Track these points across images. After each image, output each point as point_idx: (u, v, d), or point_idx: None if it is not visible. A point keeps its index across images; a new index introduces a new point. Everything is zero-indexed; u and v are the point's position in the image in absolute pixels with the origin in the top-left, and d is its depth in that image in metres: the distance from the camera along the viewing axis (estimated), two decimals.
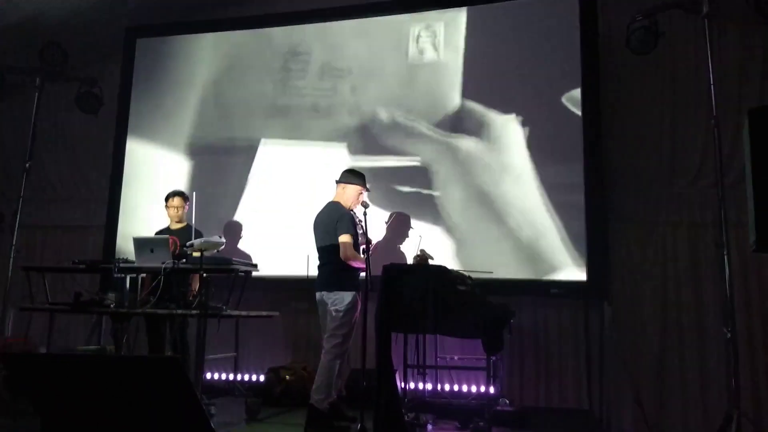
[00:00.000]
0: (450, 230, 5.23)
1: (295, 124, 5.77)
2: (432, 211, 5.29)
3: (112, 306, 4.25)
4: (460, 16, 5.53)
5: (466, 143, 5.29)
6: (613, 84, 5.27)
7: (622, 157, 5.22)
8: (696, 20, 4.32)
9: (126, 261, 4.44)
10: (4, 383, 4.45)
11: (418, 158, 5.39)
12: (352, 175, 4.32)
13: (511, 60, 5.34)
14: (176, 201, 4.90)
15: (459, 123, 5.35)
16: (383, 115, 5.55)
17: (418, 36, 5.58)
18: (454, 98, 5.41)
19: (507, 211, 5.11)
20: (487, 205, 5.17)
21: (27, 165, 5.32)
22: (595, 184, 4.95)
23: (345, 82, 5.71)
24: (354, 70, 5.71)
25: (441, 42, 5.53)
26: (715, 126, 3.92)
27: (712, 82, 3.98)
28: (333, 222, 4.10)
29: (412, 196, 5.36)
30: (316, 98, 5.74)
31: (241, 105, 5.98)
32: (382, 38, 5.71)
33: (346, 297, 4.03)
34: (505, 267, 5.02)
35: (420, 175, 5.37)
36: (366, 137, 5.57)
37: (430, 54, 5.52)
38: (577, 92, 5.09)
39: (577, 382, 5.01)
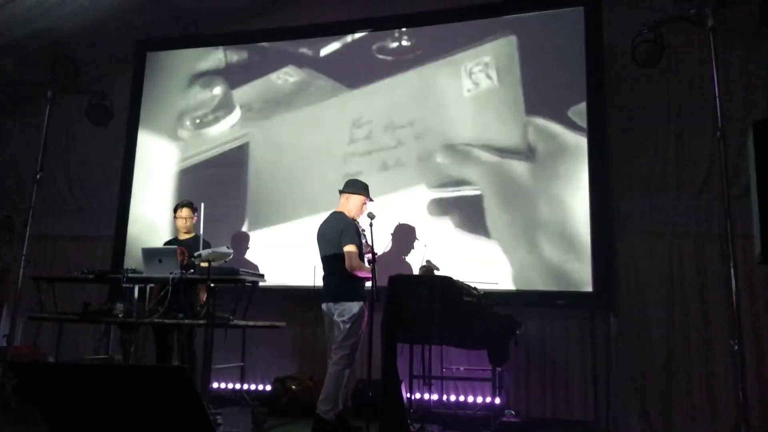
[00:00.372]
0: (459, 241, 5.23)
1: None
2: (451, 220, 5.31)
3: (120, 316, 4.28)
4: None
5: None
6: (618, 97, 5.29)
7: (627, 168, 5.23)
8: (701, 33, 4.33)
9: (134, 271, 4.49)
10: (13, 392, 4.49)
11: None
12: (356, 186, 4.35)
13: (517, 72, 5.35)
14: (184, 212, 4.94)
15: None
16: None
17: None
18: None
19: (513, 222, 5.11)
20: (494, 216, 5.18)
21: (38, 176, 5.38)
22: (601, 196, 4.95)
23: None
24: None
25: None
26: (720, 138, 3.92)
27: (717, 94, 3.99)
28: (338, 232, 4.13)
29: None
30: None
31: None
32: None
33: (353, 307, 4.04)
34: (511, 278, 5.03)
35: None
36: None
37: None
38: (582, 105, 5.10)
39: (584, 394, 5.00)
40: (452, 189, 5.33)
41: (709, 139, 4.99)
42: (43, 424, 3.20)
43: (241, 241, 5.75)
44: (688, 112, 5.19)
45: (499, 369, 4.12)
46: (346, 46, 5.93)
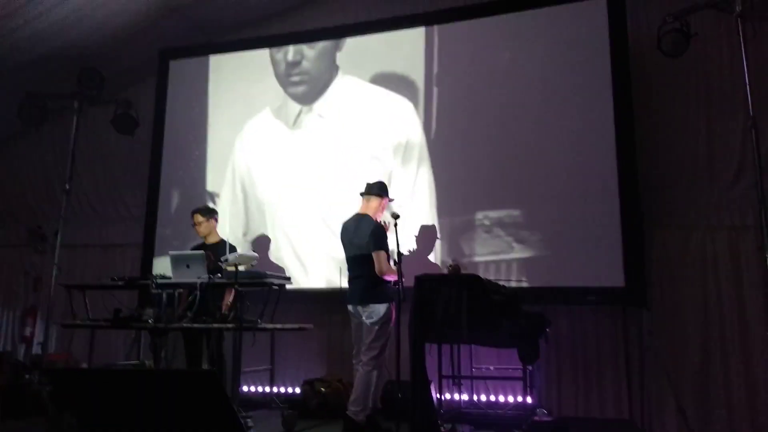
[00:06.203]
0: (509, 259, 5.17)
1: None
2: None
3: (150, 321, 4.33)
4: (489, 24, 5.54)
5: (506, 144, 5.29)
6: (645, 88, 5.20)
7: (657, 161, 5.13)
8: (729, 20, 4.24)
9: (163, 277, 4.53)
10: (49, 398, 4.56)
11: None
12: (376, 187, 4.35)
13: (540, 67, 5.30)
14: (196, 217, 4.98)
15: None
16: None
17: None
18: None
19: (543, 218, 5.05)
20: (526, 215, 5.13)
21: (67, 186, 5.48)
22: (631, 189, 4.86)
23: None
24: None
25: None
26: (752, 126, 3.83)
27: (747, 82, 3.89)
28: (365, 235, 4.12)
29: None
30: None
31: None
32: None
33: (381, 309, 4.04)
34: (540, 275, 4.96)
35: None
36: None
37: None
38: (608, 98, 5.02)
39: (617, 391, 4.90)
40: (487, 194, 5.27)
41: (741, 128, 4.89)
42: (79, 428, 3.25)
43: (262, 245, 5.77)
44: (718, 102, 5.07)
45: (529, 368, 4.06)
46: (364, 44, 5.93)
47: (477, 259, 5.13)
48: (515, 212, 5.13)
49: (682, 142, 5.12)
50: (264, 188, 5.95)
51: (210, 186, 6.17)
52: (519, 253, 5.06)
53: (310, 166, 5.81)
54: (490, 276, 4.88)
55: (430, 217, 5.35)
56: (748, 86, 3.89)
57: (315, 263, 5.59)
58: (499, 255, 5.09)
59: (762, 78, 4.70)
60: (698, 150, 5.08)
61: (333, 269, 5.40)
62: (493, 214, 5.19)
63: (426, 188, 5.44)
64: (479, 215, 5.22)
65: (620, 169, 4.89)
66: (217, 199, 6.08)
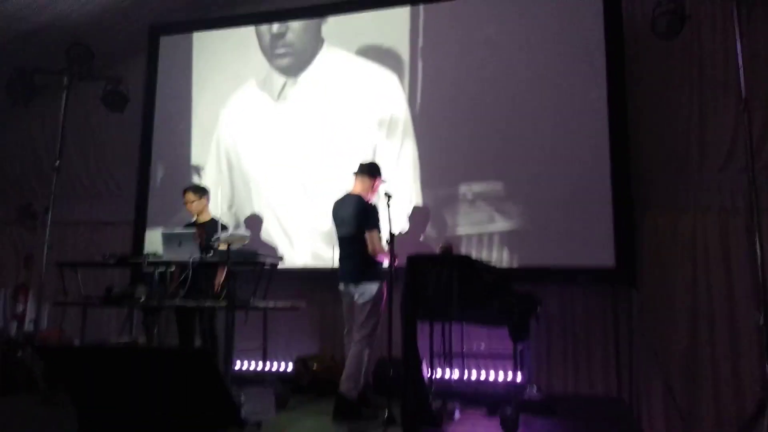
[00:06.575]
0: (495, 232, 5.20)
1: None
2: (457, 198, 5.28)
3: (142, 299, 4.33)
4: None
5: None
6: (638, 70, 5.19)
7: (649, 142, 5.14)
8: (723, 2, 4.23)
9: (154, 255, 4.53)
10: (42, 375, 4.58)
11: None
12: (370, 167, 4.35)
13: (527, 44, 5.27)
14: (187, 196, 4.96)
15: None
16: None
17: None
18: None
19: (534, 199, 5.07)
20: (513, 193, 5.14)
21: (57, 163, 5.42)
22: (622, 171, 4.88)
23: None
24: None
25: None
26: (744, 109, 3.84)
27: (740, 65, 3.90)
28: (358, 215, 4.13)
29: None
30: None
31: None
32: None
33: (373, 288, 4.06)
34: (531, 255, 4.99)
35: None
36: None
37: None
38: (602, 81, 5.01)
39: (606, 370, 4.98)
40: (472, 169, 5.28)
41: (733, 112, 4.90)
42: (72, 405, 3.27)
43: (255, 223, 5.77)
44: (711, 85, 5.08)
45: (519, 346, 4.11)
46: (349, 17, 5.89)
47: (459, 231, 5.19)
48: (497, 185, 5.17)
49: (674, 125, 5.13)
50: (249, 161, 5.96)
51: (195, 159, 6.16)
52: (501, 226, 5.10)
53: (295, 139, 5.81)
54: (481, 256, 4.92)
55: (414, 191, 5.37)
56: (741, 69, 3.89)
57: (300, 236, 5.63)
58: (479, 226, 5.15)
59: (755, 61, 4.72)
60: (690, 133, 5.10)
61: (319, 242, 5.48)
62: (477, 187, 5.22)
63: (410, 161, 5.46)
64: (463, 188, 5.25)
65: (612, 151, 4.92)
66: (202, 173, 6.07)
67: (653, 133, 5.15)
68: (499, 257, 5.03)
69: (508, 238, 5.08)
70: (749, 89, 3.87)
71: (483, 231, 5.14)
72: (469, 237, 5.15)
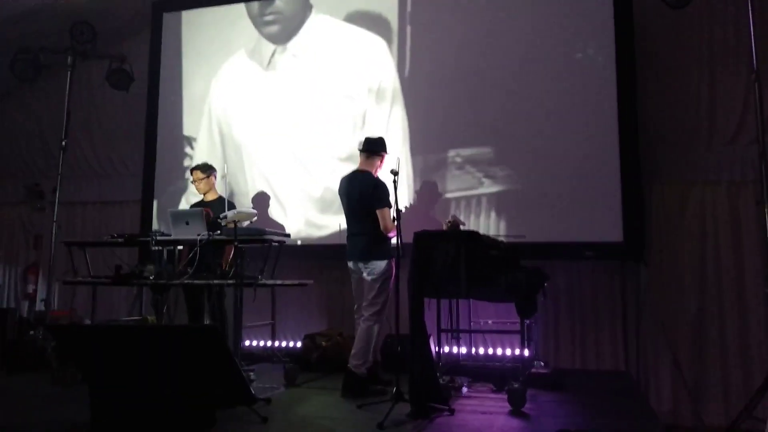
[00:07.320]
0: (485, 194, 5.19)
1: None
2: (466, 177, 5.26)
3: (151, 278, 4.36)
4: None
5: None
6: (648, 40, 5.11)
7: (658, 115, 5.08)
8: None
9: (162, 234, 4.54)
10: (53, 353, 4.63)
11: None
12: (374, 143, 4.31)
13: (542, 18, 5.18)
14: (195, 174, 4.96)
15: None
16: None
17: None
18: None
19: (541, 172, 5.03)
20: (520, 167, 5.10)
21: (63, 143, 5.43)
22: (631, 144, 4.83)
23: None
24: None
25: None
26: (755, 81, 3.77)
27: (752, 36, 3.82)
28: (367, 192, 4.10)
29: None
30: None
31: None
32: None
33: (382, 265, 4.07)
34: (539, 230, 4.97)
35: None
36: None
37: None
38: (611, 52, 4.93)
39: (614, 344, 4.99)
40: (477, 142, 5.24)
41: (744, 83, 4.83)
42: (83, 382, 3.31)
43: (262, 201, 5.76)
44: (721, 56, 5.00)
45: (527, 321, 4.11)
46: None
47: (448, 195, 5.21)
48: (487, 149, 5.16)
49: (683, 96, 5.07)
50: (240, 130, 5.95)
51: (186, 131, 6.16)
52: (518, 208, 5.06)
53: (285, 107, 5.79)
54: (489, 232, 4.90)
55: (403, 156, 5.31)
56: (752, 39, 3.82)
57: (292, 204, 5.64)
58: (469, 190, 5.17)
59: (767, 31, 4.62)
60: (700, 105, 5.03)
61: (311, 209, 5.54)
62: (465, 151, 5.22)
63: (399, 127, 5.44)
64: (451, 153, 5.25)
65: (620, 123, 4.86)
66: (194, 143, 6.07)
67: (662, 104, 5.08)
68: (499, 229, 5.02)
69: (516, 213, 5.05)
70: (760, 59, 3.81)
71: (473, 194, 5.17)
72: (457, 200, 5.17)
